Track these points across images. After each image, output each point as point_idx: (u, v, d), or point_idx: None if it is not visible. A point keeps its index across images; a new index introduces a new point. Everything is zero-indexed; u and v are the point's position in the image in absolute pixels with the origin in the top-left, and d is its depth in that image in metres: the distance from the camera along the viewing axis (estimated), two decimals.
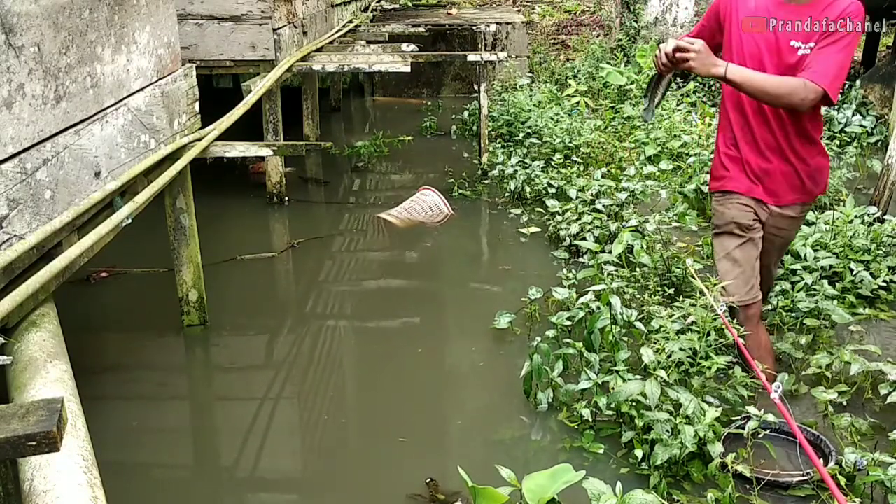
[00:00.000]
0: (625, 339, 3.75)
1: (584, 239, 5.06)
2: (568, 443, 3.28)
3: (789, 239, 3.50)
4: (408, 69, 6.73)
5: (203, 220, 4.37)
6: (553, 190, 6.12)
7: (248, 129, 6.12)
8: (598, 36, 11.36)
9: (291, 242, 5.79)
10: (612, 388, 3.28)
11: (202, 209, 4.38)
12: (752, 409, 3.07)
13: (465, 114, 9.28)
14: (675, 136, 7.36)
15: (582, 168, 6.63)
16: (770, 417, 2.96)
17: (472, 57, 7.23)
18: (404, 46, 7.65)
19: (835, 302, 4.13)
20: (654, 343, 3.62)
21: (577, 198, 5.69)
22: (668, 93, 9.09)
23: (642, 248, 4.63)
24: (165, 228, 4.19)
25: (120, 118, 3.34)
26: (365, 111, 11.00)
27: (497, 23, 10.56)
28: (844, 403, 3.39)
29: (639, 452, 3.01)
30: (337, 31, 8.52)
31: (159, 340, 4.34)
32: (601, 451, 3.19)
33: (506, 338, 4.21)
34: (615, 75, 9.53)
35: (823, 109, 7.21)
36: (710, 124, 7.62)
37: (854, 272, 4.45)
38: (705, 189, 5.84)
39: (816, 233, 4.71)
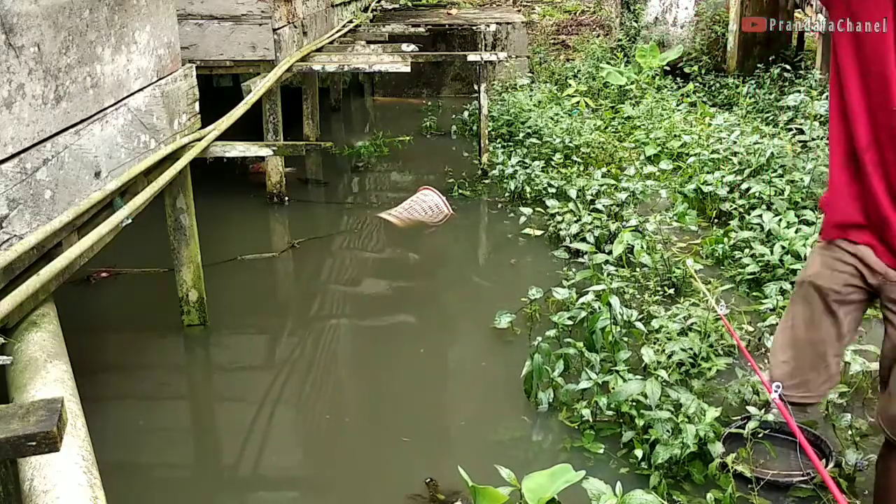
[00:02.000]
0: (625, 339, 3.75)
1: (583, 239, 5.06)
2: (568, 443, 3.28)
3: None
4: (408, 69, 6.73)
5: (203, 220, 4.37)
6: (553, 190, 6.12)
7: (248, 129, 6.12)
8: (598, 36, 11.36)
9: (291, 242, 5.79)
10: (613, 388, 3.28)
11: (202, 209, 4.37)
12: (752, 409, 3.07)
13: (465, 114, 9.28)
14: (675, 136, 7.36)
15: (582, 168, 6.63)
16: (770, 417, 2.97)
17: (472, 57, 7.23)
18: (404, 46, 7.65)
19: None
20: (655, 343, 3.62)
21: (577, 198, 5.70)
22: (670, 93, 9.11)
23: (642, 248, 4.64)
24: (165, 228, 4.19)
25: (120, 118, 3.34)
26: (365, 111, 11.00)
27: (497, 23, 10.56)
28: (844, 403, 3.39)
29: (639, 452, 3.01)
30: (337, 31, 8.52)
31: (159, 340, 4.34)
32: (601, 451, 3.19)
33: (506, 338, 4.21)
34: (615, 75, 9.52)
35: (823, 109, 7.21)
36: (709, 124, 7.62)
37: None
38: (705, 189, 5.84)
39: (816, 233, 4.70)
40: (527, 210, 5.62)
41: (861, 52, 2.09)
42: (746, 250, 4.80)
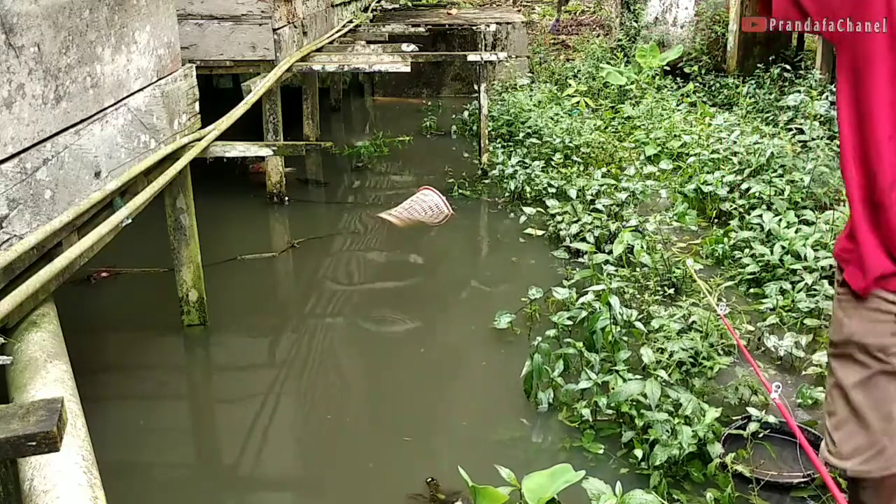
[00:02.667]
0: (625, 339, 3.75)
1: (583, 239, 5.06)
2: (568, 443, 3.28)
3: None
4: (408, 69, 6.73)
5: (203, 220, 4.37)
6: (553, 190, 6.13)
7: (248, 129, 6.12)
8: (598, 36, 11.35)
9: (291, 242, 5.79)
10: (612, 388, 3.28)
11: (202, 209, 4.37)
12: (752, 409, 3.07)
13: (465, 114, 9.28)
14: (675, 136, 7.36)
15: (582, 168, 6.63)
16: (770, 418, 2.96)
17: (472, 57, 7.23)
18: (404, 46, 7.65)
19: None
20: (655, 343, 3.63)
21: (577, 198, 5.70)
22: (670, 93, 9.12)
23: (642, 247, 4.64)
24: (165, 228, 4.19)
25: (120, 118, 3.34)
26: (365, 111, 11.00)
27: (497, 23, 10.56)
28: None
29: (639, 452, 3.01)
30: (337, 31, 8.52)
31: (159, 340, 4.34)
32: (601, 451, 3.19)
33: (506, 338, 4.21)
34: (615, 75, 9.52)
35: (823, 109, 7.22)
36: (709, 124, 7.62)
37: None
38: (705, 189, 5.84)
39: (816, 233, 4.71)
40: (530, 210, 5.63)
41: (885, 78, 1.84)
42: (746, 250, 4.80)
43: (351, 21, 9.44)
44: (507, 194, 6.45)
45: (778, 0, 1.95)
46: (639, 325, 3.75)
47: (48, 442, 1.44)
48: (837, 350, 2.01)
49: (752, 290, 4.50)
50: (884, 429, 1.93)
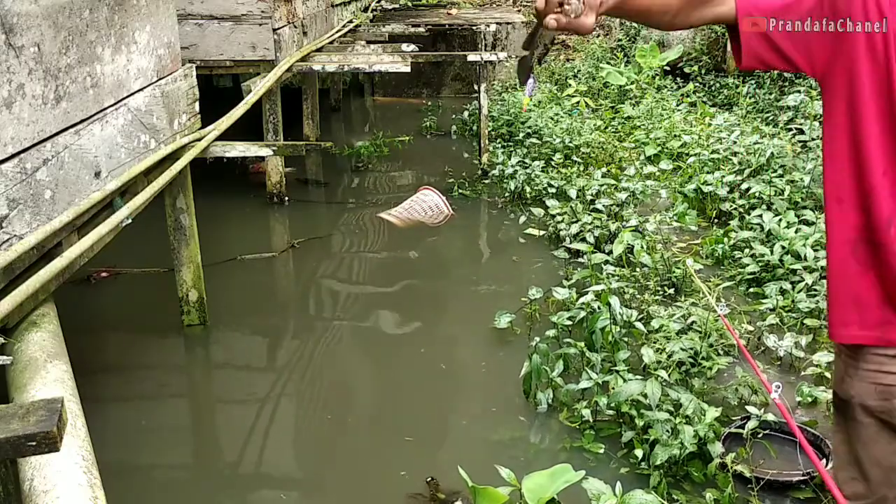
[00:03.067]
0: (625, 339, 3.75)
1: (583, 239, 5.06)
2: (568, 443, 3.28)
3: None
4: (408, 69, 6.73)
5: (203, 220, 4.37)
6: (553, 190, 6.13)
7: (248, 129, 6.12)
8: (598, 36, 11.35)
9: (291, 242, 5.79)
10: (613, 388, 3.28)
11: (202, 209, 4.37)
12: (752, 409, 3.07)
13: (465, 114, 9.28)
14: (675, 136, 7.36)
15: (582, 168, 6.63)
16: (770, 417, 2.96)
17: (472, 57, 7.23)
18: (404, 46, 7.65)
19: None
20: (655, 343, 3.63)
21: (577, 198, 5.70)
22: (670, 93, 9.11)
23: (642, 247, 4.64)
24: (165, 228, 4.19)
25: (120, 118, 3.34)
26: (365, 111, 11.00)
27: (497, 23, 10.55)
28: None
29: (639, 452, 3.01)
30: (337, 31, 8.52)
31: (159, 340, 4.34)
32: (601, 451, 3.19)
33: (506, 338, 4.21)
34: (615, 75, 9.52)
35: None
36: (709, 124, 7.61)
37: None
38: (705, 189, 5.84)
39: (816, 233, 4.71)
40: (538, 210, 5.62)
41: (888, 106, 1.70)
42: (746, 250, 4.80)
43: (351, 21, 9.44)
44: (507, 194, 6.45)
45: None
46: (639, 325, 3.75)
47: (48, 442, 1.44)
48: (840, 403, 1.94)
49: (752, 290, 4.50)
50: (886, 480, 1.88)
